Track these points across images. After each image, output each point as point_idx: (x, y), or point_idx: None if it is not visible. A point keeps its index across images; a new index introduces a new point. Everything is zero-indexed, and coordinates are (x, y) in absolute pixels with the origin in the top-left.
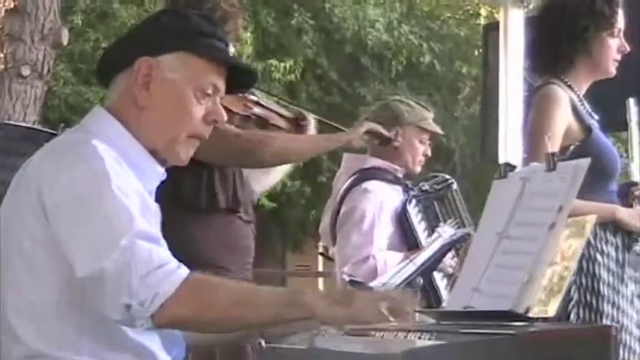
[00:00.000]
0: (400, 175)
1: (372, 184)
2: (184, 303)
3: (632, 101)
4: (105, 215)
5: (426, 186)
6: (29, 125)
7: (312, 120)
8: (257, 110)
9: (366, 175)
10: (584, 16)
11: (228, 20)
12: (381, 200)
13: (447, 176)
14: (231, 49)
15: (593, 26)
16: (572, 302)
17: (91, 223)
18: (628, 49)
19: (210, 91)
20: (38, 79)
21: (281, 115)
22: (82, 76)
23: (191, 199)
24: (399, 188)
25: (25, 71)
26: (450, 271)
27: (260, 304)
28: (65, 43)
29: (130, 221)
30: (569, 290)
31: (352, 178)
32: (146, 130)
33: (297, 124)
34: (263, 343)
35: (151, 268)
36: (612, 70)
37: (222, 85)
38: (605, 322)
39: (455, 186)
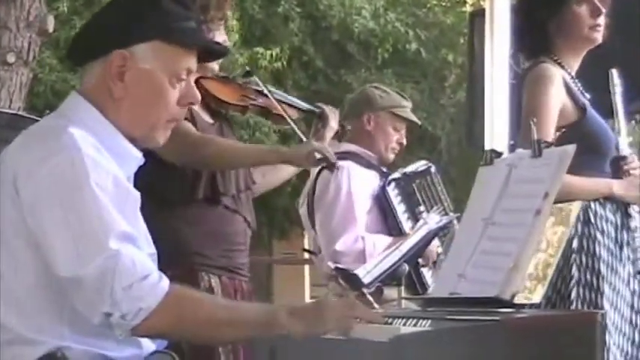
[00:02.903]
0: (374, 163)
1: (344, 163)
2: (165, 318)
3: (614, 72)
4: (86, 215)
5: (404, 170)
6: (14, 112)
7: (330, 112)
8: (259, 100)
9: (338, 157)
10: None
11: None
12: (355, 174)
13: (425, 161)
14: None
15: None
16: (573, 281)
17: (72, 223)
18: (603, 10)
19: (184, 76)
20: (24, 66)
21: (291, 105)
22: (67, 63)
23: (167, 192)
24: (375, 173)
25: (11, 58)
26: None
27: (238, 323)
28: (51, 30)
29: (112, 222)
30: (570, 269)
31: None
32: (124, 119)
33: (312, 113)
34: None
35: (134, 280)
36: (593, 36)
37: (195, 66)
38: (605, 302)
39: (433, 169)
